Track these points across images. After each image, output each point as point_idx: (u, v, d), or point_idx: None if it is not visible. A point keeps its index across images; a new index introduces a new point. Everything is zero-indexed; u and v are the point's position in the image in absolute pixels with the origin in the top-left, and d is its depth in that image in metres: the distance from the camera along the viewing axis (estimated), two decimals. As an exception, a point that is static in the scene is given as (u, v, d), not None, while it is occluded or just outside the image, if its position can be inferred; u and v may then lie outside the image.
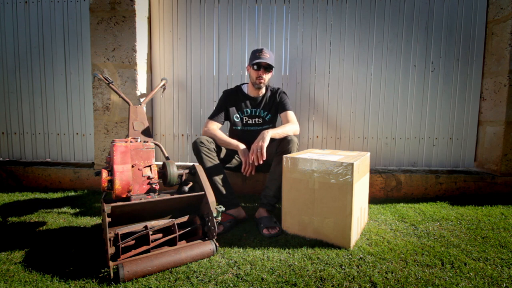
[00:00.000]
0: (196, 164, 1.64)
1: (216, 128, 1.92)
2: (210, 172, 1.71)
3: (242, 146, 1.82)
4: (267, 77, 1.93)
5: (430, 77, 2.49)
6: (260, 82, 1.91)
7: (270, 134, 1.72)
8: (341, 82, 2.51)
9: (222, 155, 1.90)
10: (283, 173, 1.60)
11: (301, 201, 1.55)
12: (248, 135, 2.00)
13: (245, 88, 2.04)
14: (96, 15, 2.30)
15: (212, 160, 1.75)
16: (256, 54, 1.89)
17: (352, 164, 1.38)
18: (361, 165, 1.54)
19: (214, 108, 2.03)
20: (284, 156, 1.58)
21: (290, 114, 1.97)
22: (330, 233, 1.47)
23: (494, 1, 2.37)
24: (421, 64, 2.48)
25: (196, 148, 1.73)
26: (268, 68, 1.90)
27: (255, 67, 1.88)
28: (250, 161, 1.70)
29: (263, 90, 2.01)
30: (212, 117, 1.97)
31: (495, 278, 1.18)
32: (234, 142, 1.83)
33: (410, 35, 2.46)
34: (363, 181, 1.62)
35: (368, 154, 1.76)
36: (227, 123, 2.11)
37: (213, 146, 1.78)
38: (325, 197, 1.46)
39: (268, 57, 1.87)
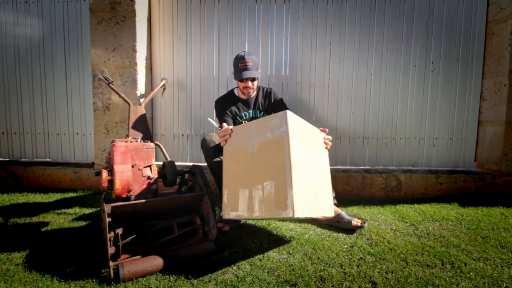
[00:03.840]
0: (196, 164, 1.64)
1: None
2: (219, 171, 1.69)
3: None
4: (254, 84, 1.92)
5: (430, 77, 2.49)
6: (249, 92, 1.92)
7: None
8: (341, 82, 2.50)
9: None
10: (224, 150, 1.43)
11: (242, 172, 1.34)
12: None
13: (237, 92, 2.02)
14: (96, 15, 2.30)
15: (221, 159, 1.74)
16: (239, 65, 1.83)
17: (285, 112, 1.25)
18: (304, 126, 1.39)
19: (218, 119, 1.97)
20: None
21: None
22: (273, 200, 1.22)
23: (494, 1, 2.37)
24: (421, 64, 2.48)
25: (206, 146, 1.71)
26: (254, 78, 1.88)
27: (240, 80, 1.86)
28: None
29: (253, 93, 1.99)
30: (223, 121, 1.90)
31: (495, 278, 1.18)
32: None
33: (410, 35, 2.46)
34: (313, 152, 1.43)
35: (324, 134, 1.60)
36: None
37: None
38: (264, 158, 1.28)
39: (251, 65, 1.83)
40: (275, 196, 1.21)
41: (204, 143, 1.71)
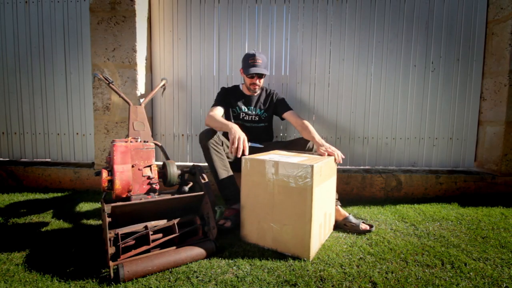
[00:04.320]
0: (196, 164, 1.64)
1: (218, 112, 1.91)
2: (217, 166, 1.71)
3: (231, 124, 1.70)
4: (261, 82, 2.01)
5: (430, 77, 2.49)
6: (255, 89, 2.00)
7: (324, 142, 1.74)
8: (341, 82, 2.50)
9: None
10: (242, 175, 1.50)
11: (260, 207, 1.45)
12: (243, 131, 2.02)
13: (241, 87, 2.11)
14: (96, 15, 2.30)
15: (219, 154, 1.74)
16: (249, 61, 1.92)
17: (312, 166, 1.29)
18: (324, 167, 1.44)
19: (216, 98, 2.04)
20: (243, 157, 1.50)
21: (295, 112, 2.02)
22: (289, 242, 1.37)
23: (494, 1, 2.37)
24: (421, 64, 2.48)
25: (204, 140, 1.71)
26: (261, 74, 1.97)
27: (249, 75, 1.94)
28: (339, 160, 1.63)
29: (258, 90, 2.08)
30: (215, 104, 1.98)
31: (495, 278, 1.18)
32: (225, 123, 1.74)
33: (410, 35, 2.46)
34: (328, 185, 1.53)
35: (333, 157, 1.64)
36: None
37: (220, 139, 1.78)
38: (285, 202, 1.37)
39: (261, 63, 1.92)
40: (292, 238, 1.36)
41: (202, 137, 1.73)
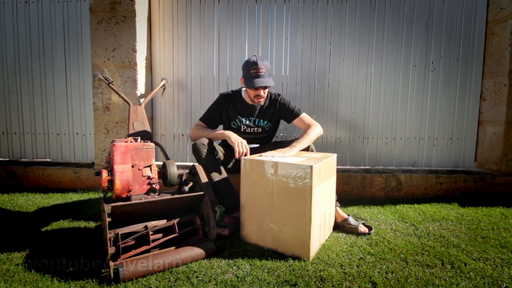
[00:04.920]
0: (196, 164, 1.64)
1: (201, 130, 1.84)
2: (213, 175, 1.68)
3: (227, 132, 1.74)
4: (266, 92, 1.82)
5: (430, 77, 2.49)
6: (259, 102, 1.82)
7: (297, 148, 1.66)
8: (341, 82, 2.50)
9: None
10: (241, 176, 1.49)
11: (259, 207, 1.45)
12: None
13: (243, 94, 1.91)
14: (96, 15, 2.30)
15: (215, 163, 1.72)
16: (251, 71, 1.71)
17: (311, 167, 1.27)
18: (324, 167, 1.43)
19: (208, 108, 1.92)
20: (242, 158, 1.50)
21: (305, 117, 1.87)
22: (288, 242, 1.37)
23: (494, 1, 2.37)
24: (421, 64, 2.48)
25: (197, 151, 1.68)
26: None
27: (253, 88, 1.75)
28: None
29: (263, 102, 1.90)
30: (204, 119, 1.89)
31: (495, 278, 1.18)
32: (219, 132, 1.77)
33: (410, 35, 2.45)
34: (327, 185, 1.52)
35: (335, 155, 1.65)
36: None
37: (213, 147, 1.75)
38: (284, 202, 1.37)
39: (264, 72, 1.72)
40: (292, 239, 1.36)
41: (195, 147, 1.69)
